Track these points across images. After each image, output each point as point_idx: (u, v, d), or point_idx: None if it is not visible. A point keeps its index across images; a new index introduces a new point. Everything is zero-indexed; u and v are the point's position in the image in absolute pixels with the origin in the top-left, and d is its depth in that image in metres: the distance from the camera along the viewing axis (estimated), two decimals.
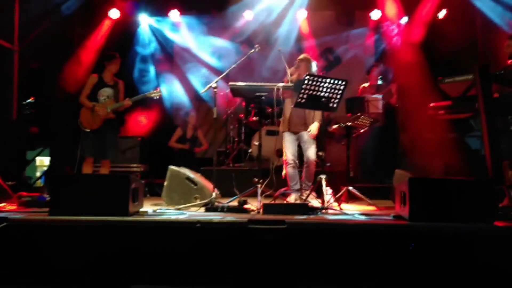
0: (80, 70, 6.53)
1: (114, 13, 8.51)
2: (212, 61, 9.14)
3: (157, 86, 5.76)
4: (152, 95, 5.78)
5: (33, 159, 8.03)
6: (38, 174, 8.68)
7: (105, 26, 8.49)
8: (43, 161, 8.95)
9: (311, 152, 5.11)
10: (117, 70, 5.84)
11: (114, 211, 3.47)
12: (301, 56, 5.23)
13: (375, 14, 8.71)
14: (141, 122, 8.39)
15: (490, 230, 3.21)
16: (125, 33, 8.76)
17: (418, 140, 7.03)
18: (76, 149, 5.64)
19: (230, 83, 4.71)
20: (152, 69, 9.04)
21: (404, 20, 8.68)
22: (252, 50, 4.84)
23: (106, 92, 5.72)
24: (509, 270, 3.08)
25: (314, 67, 5.17)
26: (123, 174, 5.57)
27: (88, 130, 5.62)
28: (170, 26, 9.14)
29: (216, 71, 8.47)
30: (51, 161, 7.98)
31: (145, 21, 9.03)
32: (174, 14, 8.85)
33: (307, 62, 5.14)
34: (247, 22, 8.94)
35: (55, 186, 3.62)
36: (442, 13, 8.22)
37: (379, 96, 6.79)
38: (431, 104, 4.51)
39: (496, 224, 3.31)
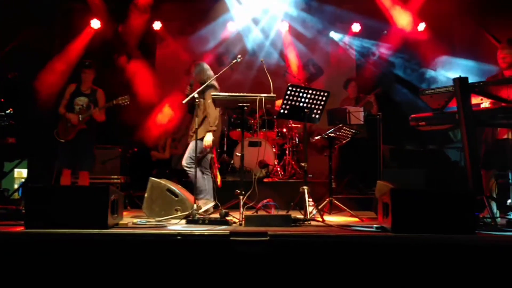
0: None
1: (95, 24, 8.44)
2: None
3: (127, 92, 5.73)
4: (120, 102, 5.71)
5: (11, 171, 7.85)
6: (16, 186, 8.50)
7: (85, 36, 8.39)
8: (21, 173, 8.78)
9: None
10: (92, 78, 5.81)
11: (92, 223, 3.39)
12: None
13: (356, 27, 8.82)
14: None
15: (472, 241, 3.22)
16: (107, 42, 8.66)
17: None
18: (54, 161, 5.57)
19: (213, 93, 4.68)
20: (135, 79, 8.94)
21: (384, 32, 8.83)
22: (234, 61, 4.82)
23: (81, 101, 5.69)
24: (491, 281, 3.08)
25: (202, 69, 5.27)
26: (102, 185, 5.47)
27: (63, 141, 5.58)
28: (154, 36, 9.09)
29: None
30: (29, 173, 7.81)
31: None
32: (157, 25, 8.82)
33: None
34: (230, 33, 8.97)
35: (31, 198, 3.51)
36: (422, 27, 8.36)
37: (361, 108, 6.85)
38: (412, 116, 4.54)
39: (478, 235, 3.33)
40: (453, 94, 4.14)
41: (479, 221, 3.83)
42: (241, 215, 4.12)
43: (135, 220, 4.29)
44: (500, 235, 3.50)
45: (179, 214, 4.57)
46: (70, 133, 5.58)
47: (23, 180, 8.59)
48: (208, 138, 5.06)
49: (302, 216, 4.30)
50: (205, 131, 5.09)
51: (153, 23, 8.80)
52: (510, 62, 4.72)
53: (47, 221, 3.38)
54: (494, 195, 4.63)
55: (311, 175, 7.39)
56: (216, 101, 4.74)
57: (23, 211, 4.10)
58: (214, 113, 5.09)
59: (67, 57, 7.86)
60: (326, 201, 5.03)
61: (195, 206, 4.39)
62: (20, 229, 3.41)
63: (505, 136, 4.67)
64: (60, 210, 3.42)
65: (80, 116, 5.58)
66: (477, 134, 4.28)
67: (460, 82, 4.00)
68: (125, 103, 5.76)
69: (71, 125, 5.59)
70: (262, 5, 8.60)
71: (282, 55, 9.16)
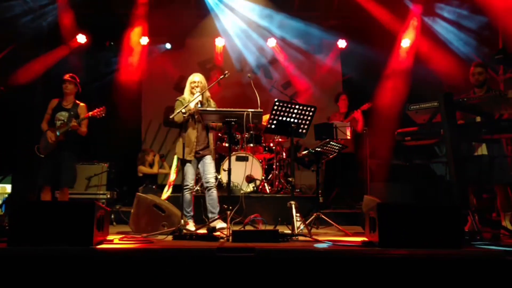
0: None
1: (81, 39, 8.44)
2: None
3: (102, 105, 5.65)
4: (96, 115, 5.63)
5: None
6: None
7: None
8: (5, 188, 8.65)
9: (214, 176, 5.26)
10: (74, 92, 5.77)
11: (77, 240, 3.33)
12: (197, 79, 5.28)
13: (342, 43, 8.94)
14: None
15: (458, 255, 3.23)
16: (92, 58, 8.67)
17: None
18: (36, 177, 5.50)
19: (200, 108, 4.69)
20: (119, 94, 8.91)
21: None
22: (222, 76, 4.84)
23: (62, 116, 5.64)
24: None
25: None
26: (88, 201, 5.43)
27: (43, 156, 5.53)
28: (140, 51, 9.08)
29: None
30: (13, 188, 7.71)
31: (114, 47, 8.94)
32: (144, 41, 8.83)
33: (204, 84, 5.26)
34: (218, 48, 9.02)
35: (15, 214, 3.45)
36: (406, 43, 8.50)
37: (347, 123, 6.90)
38: (398, 130, 4.59)
39: (463, 249, 3.35)
40: (437, 110, 4.20)
41: (465, 235, 3.86)
42: (228, 230, 4.10)
43: (121, 236, 4.24)
44: (485, 249, 3.52)
45: (166, 229, 4.53)
46: (50, 148, 5.51)
47: (6, 195, 8.45)
48: None
49: (289, 231, 4.29)
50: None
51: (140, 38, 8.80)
52: (482, 80, 4.94)
53: (31, 238, 3.32)
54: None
55: (298, 190, 7.40)
56: (203, 116, 4.75)
57: (7, 227, 4.03)
58: None
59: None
60: (313, 216, 5.03)
61: (182, 221, 4.36)
62: (3, 246, 3.35)
63: (480, 153, 4.77)
64: (44, 227, 3.35)
65: (57, 131, 5.51)
66: None
67: (445, 98, 4.06)
68: (101, 116, 5.65)
69: (51, 140, 5.52)
70: (249, 21, 8.67)
71: (269, 70, 9.23)
